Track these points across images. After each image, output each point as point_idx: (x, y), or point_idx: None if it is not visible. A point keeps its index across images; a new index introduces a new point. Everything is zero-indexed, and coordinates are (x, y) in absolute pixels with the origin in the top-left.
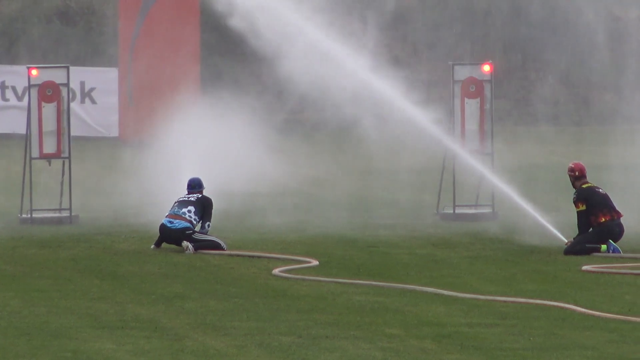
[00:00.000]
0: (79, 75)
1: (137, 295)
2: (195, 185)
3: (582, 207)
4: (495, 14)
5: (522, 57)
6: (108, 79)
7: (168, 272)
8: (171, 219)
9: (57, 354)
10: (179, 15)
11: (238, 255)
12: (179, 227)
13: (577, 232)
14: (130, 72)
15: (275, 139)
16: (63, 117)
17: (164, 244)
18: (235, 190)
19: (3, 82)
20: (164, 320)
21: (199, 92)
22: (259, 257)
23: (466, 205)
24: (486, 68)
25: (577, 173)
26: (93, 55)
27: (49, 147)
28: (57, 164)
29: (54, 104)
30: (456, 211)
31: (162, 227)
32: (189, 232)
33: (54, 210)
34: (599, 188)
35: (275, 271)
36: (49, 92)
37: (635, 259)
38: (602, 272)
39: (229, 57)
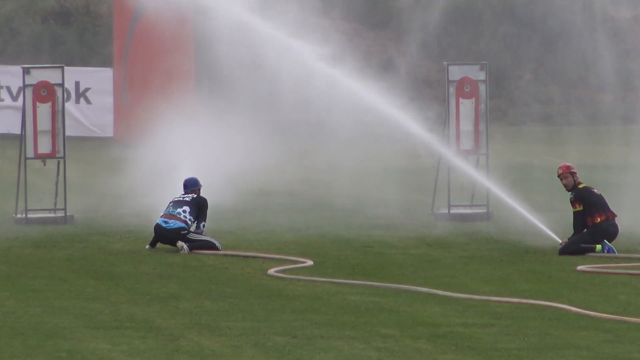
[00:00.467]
0: (74, 75)
1: (132, 295)
2: (190, 185)
3: (579, 208)
4: (490, 14)
5: (517, 57)
6: (103, 79)
7: (163, 272)
8: (166, 219)
9: (52, 354)
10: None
11: (233, 255)
12: (174, 227)
13: (572, 232)
14: (125, 72)
15: (270, 138)
16: (58, 117)
17: (158, 244)
18: (230, 189)
19: None
20: (159, 321)
21: (193, 91)
22: (253, 257)
23: (461, 206)
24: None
25: (572, 171)
26: (88, 56)
27: (44, 147)
28: (52, 164)
29: (49, 104)
30: (451, 211)
31: (157, 227)
32: (184, 232)
33: (49, 210)
34: (593, 188)
35: (271, 271)
36: (43, 92)
37: (629, 259)
38: (597, 272)
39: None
